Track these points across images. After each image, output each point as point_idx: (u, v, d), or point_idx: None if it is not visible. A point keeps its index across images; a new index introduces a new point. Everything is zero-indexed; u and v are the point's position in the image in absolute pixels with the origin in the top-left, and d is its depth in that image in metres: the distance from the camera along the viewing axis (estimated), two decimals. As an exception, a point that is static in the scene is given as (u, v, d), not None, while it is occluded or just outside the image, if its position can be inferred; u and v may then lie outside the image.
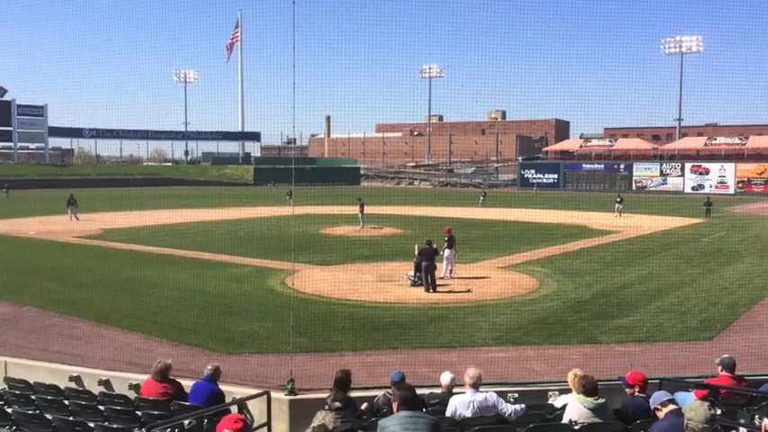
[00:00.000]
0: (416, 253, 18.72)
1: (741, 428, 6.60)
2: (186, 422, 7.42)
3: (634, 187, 78.01)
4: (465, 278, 20.17)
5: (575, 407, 6.51)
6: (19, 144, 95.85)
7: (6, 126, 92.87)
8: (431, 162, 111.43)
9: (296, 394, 9.60)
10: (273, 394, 9.21)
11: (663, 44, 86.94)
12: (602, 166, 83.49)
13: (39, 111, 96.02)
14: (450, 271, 20.22)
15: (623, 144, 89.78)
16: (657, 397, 6.13)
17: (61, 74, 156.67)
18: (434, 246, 19.01)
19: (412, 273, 18.88)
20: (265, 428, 8.77)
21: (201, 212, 42.01)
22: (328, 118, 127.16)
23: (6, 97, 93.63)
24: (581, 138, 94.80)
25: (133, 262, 23.29)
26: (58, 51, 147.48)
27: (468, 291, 18.55)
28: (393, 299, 17.29)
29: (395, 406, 5.43)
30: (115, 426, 7.48)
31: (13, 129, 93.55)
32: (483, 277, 20.39)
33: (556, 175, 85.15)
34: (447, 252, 20.04)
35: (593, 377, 6.60)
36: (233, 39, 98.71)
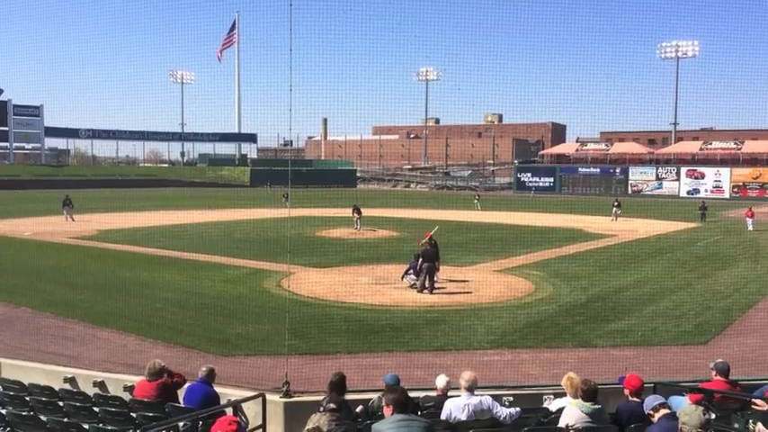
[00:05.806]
0: (416, 254, 18.65)
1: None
2: (181, 424, 7.42)
3: (630, 191, 78.20)
4: (459, 281, 20.20)
5: (571, 411, 6.50)
6: (15, 144, 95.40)
7: (2, 126, 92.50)
8: (427, 165, 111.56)
9: (291, 397, 9.60)
10: (268, 396, 9.22)
11: (659, 49, 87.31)
12: (599, 169, 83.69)
13: (35, 111, 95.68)
14: None
15: (619, 148, 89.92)
16: (650, 402, 6.14)
17: (58, 74, 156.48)
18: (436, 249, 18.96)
19: (413, 276, 18.85)
20: (260, 431, 8.78)
21: (197, 214, 41.91)
22: (325, 120, 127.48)
23: (2, 97, 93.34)
24: (577, 141, 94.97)
25: (128, 263, 23.22)
26: (54, 52, 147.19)
27: (465, 294, 18.56)
28: (389, 301, 17.28)
29: (386, 410, 5.37)
30: (110, 427, 7.47)
31: (9, 129, 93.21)
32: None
33: (552, 179, 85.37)
34: None
35: (593, 382, 6.58)
36: (225, 43, 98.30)
